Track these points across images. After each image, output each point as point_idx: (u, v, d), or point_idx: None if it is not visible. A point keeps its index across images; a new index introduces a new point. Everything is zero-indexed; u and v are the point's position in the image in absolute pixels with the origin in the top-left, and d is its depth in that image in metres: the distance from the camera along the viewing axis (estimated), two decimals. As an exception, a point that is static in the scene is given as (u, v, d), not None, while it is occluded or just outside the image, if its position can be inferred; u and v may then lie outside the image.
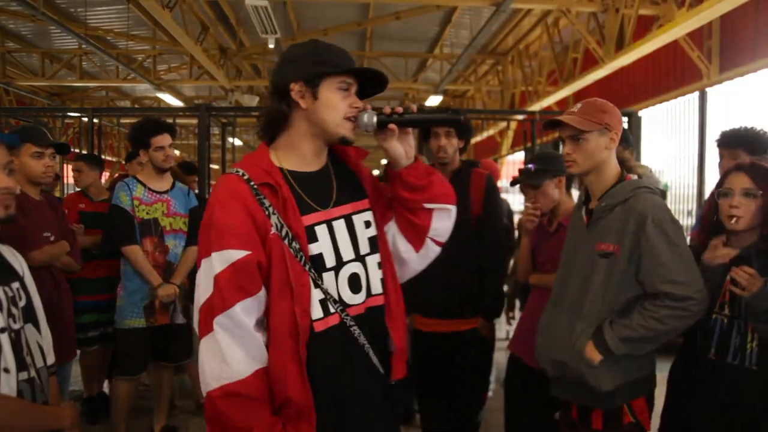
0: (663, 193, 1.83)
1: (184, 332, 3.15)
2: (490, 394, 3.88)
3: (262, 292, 1.27)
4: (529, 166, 2.52)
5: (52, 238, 2.62)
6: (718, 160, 2.69)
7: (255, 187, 1.28)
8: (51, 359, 1.57)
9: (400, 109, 1.37)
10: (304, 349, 1.26)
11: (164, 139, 3.02)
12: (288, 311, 1.26)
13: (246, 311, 1.24)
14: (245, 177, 1.30)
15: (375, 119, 1.36)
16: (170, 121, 7.77)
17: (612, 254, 1.74)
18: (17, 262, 1.52)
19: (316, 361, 1.28)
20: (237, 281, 1.24)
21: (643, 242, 1.69)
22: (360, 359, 1.34)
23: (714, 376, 1.80)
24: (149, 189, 3.05)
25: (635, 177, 1.85)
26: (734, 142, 2.60)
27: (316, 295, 1.29)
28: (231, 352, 1.22)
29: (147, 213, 3.01)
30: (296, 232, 1.28)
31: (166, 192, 3.10)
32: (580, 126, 1.78)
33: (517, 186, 2.70)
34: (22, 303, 1.47)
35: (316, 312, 1.29)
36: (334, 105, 1.32)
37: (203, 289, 1.26)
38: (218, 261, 1.24)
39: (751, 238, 1.80)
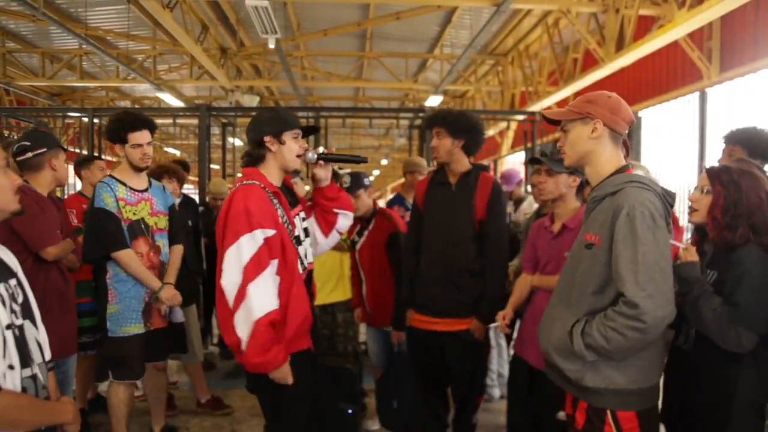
0: (669, 194, 1.73)
1: (180, 330, 3.08)
2: (487, 396, 3.89)
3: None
4: (555, 152, 2.49)
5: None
6: (719, 157, 2.70)
7: (269, 192, 2.07)
8: (48, 355, 1.57)
9: (323, 150, 2.25)
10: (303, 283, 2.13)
11: (142, 136, 2.83)
12: (292, 263, 2.06)
13: (273, 267, 1.99)
14: (262, 186, 2.06)
15: (315, 156, 2.20)
16: (170, 121, 7.84)
17: (594, 245, 1.69)
18: (10, 259, 1.53)
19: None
20: (270, 248, 1.98)
21: (614, 234, 1.63)
22: (309, 298, 2.18)
23: (675, 360, 1.98)
24: (131, 188, 2.87)
25: (639, 172, 1.77)
26: (734, 138, 2.62)
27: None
28: (274, 290, 1.99)
29: (134, 213, 2.85)
30: (290, 220, 2.12)
31: (146, 190, 2.95)
32: (557, 117, 1.83)
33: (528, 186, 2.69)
34: (20, 299, 1.49)
35: (301, 268, 2.13)
36: (292, 148, 2.13)
37: (249, 251, 1.94)
38: (262, 235, 1.96)
39: None
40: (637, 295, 1.55)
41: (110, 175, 2.90)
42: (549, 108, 8.82)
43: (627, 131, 1.79)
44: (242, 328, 1.92)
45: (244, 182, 2.06)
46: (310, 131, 2.31)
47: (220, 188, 4.97)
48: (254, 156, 2.14)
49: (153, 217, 2.93)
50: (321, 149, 2.23)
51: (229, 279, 1.93)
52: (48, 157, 2.74)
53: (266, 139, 2.10)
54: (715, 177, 1.92)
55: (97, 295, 2.92)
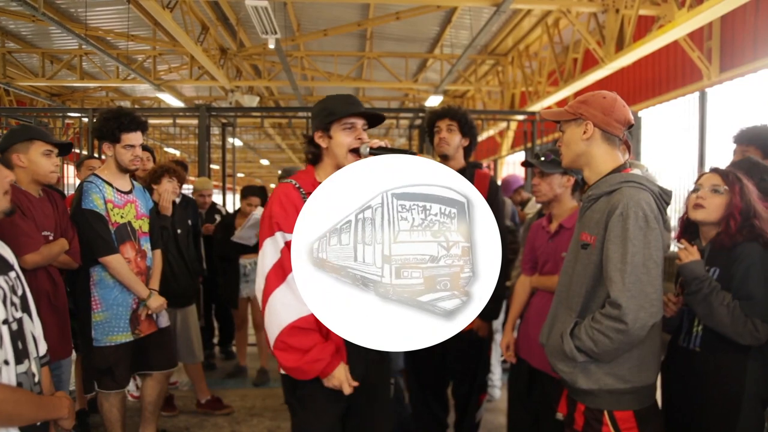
0: (665, 193, 1.74)
1: (167, 338, 2.99)
2: (488, 396, 3.89)
3: None
4: (547, 153, 2.51)
5: (51, 237, 2.56)
6: (729, 158, 2.68)
7: (303, 193, 1.85)
8: (43, 349, 1.57)
9: (378, 144, 1.88)
10: None
11: (136, 137, 2.73)
12: None
13: None
14: (297, 185, 1.88)
15: (368, 150, 1.85)
16: (170, 121, 7.83)
17: (589, 245, 1.69)
18: (7, 253, 1.53)
19: None
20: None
21: (606, 234, 1.63)
22: None
23: (679, 360, 2.00)
24: (117, 190, 2.76)
25: (636, 171, 1.77)
26: (747, 138, 2.60)
27: None
28: (297, 306, 1.75)
29: (121, 216, 2.74)
30: None
31: (130, 192, 2.84)
32: (553, 117, 1.84)
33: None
34: (20, 292, 1.49)
35: None
36: (341, 142, 1.86)
37: (271, 257, 1.80)
38: (282, 239, 1.80)
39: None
40: (622, 296, 1.55)
41: (95, 175, 2.78)
42: (549, 108, 8.83)
43: (624, 132, 1.76)
44: (270, 335, 1.81)
45: (283, 182, 1.96)
46: (374, 120, 1.96)
47: (206, 185, 4.97)
48: (312, 155, 1.97)
49: (138, 221, 2.84)
50: (377, 142, 1.88)
51: (257, 285, 1.86)
52: (10, 154, 2.48)
53: (316, 135, 1.92)
54: (734, 180, 1.94)
55: (77, 301, 2.80)
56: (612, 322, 1.56)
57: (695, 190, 2.01)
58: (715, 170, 2.01)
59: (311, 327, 1.78)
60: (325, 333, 1.80)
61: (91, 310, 2.71)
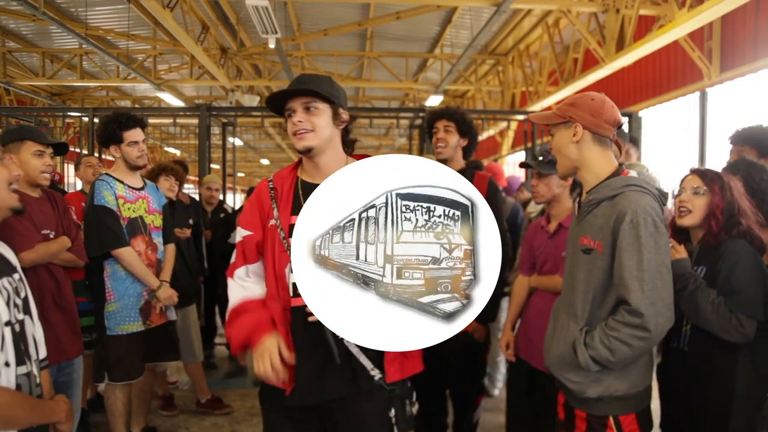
0: (663, 194, 1.72)
1: (172, 331, 3.06)
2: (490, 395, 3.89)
3: (258, 264, 1.77)
4: (545, 153, 2.50)
5: (52, 235, 2.55)
6: (723, 159, 2.70)
7: (271, 188, 1.78)
8: (43, 353, 1.57)
9: None
10: (288, 314, 1.69)
11: (137, 134, 2.88)
12: (272, 281, 1.72)
13: (245, 273, 1.77)
14: (269, 180, 1.81)
15: None
16: (170, 120, 7.84)
17: (593, 250, 1.66)
18: (10, 255, 1.53)
19: (294, 325, 1.69)
20: (242, 250, 1.77)
21: (617, 241, 1.60)
22: (316, 332, 1.64)
23: (671, 361, 2.03)
24: (129, 186, 2.92)
25: (633, 174, 1.75)
26: (742, 138, 2.62)
27: (292, 277, 1.67)
28: (244, 291, 1.75)
29: (133, 211, 2.89)
30: (283, 226, 1.71)
31: (142, 188, 2.99)
32: (543, 120, 1.83)
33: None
34: (22, 294, 1.49)
35: (292, 290, 1.69)
36: (289, 129, 1.72)
37: (234, 251, 1.80)
38: (239, 234, 1.79)
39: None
40: (642, 304, 1.53)
41: (107, 174, 2.91)
42: (549, 108, 8.82)
43: (614, 132, 1.74)
44: None
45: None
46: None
47: (213, 178, 5.03)
48: None
49: (150, 215, 2.97)
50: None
51: None
52: (1, 156, 2.53)
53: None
54: (713, 179, 1.96)
55: (94, 295, 2.91)
56: (633, 330, 1.55)
57: (679, 194, 2.04)
58: (695, 171, 2.03)
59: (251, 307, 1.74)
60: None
61: (105, 301, 2.83)
